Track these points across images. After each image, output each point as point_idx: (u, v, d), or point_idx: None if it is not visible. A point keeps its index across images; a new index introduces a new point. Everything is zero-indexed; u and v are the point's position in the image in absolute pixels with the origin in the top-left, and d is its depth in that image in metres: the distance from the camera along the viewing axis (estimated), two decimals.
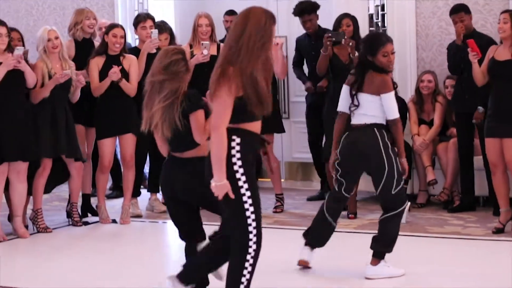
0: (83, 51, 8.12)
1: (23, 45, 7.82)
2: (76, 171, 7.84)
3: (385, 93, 5.76)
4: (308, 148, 9.18)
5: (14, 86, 7.35)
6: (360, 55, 6.02)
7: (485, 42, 7.64)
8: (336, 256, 5.91)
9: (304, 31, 8.96)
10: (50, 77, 7.54)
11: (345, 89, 5.95)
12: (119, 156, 8.72)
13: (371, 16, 9.59)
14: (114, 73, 7.72)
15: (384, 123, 5.84)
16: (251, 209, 4.41)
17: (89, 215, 8.35)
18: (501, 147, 7.11)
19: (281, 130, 8.41)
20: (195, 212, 5.16)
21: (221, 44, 8.50)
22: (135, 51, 8.24)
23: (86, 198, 8.36)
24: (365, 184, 7.67)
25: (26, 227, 7.66)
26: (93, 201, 8.39)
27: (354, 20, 8.35)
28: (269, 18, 4.42)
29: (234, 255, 4.50)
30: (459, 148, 8.17)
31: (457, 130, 8.26)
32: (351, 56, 7.95)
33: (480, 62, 7.30)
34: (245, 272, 4.47)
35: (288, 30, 9.73)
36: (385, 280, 5.72)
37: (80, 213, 8.17)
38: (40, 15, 11.14)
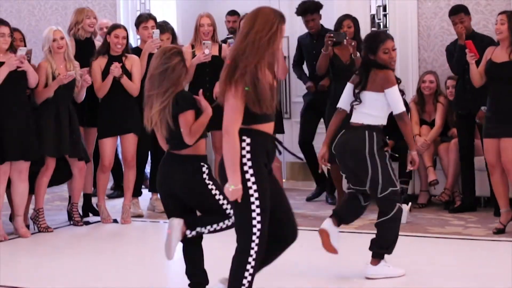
0: (84, 50, 8.14)
1: (25, 45, 7.84)
2: (78, 171, 7.85)
3: (388, 87, 5.74)
4: None
5: (16, 86, 7.36)
6: (363, 55, 6.02)
7: (486, 43, 7.63)
8: (336, 256, 5.90)
9: (306, 31, 8.97)
10: (54, 78, 7.55)
11: (348, 87, 5.93)
12: (120, 156, 8.73)
13: (373, 17, 9.61)
14: (116, 67, 7.75)
15: (384, 123, 5.83)
16: (258, 210, 4.39)
17: (90, 215, 8.36)
18: (499, 148, 7.11)
19: (281, 130, 8.41)
20: (192, 210, 5.16)
21: (223, 45, 8.53)
22: (137, 51, 8.26)
23: (87, 198, 8.37)
24: None
25: (28, 226, 7.67)
26: (94, 201, 8.40)
27: (355, 21, 8.36)
28: (278, 16, 4.39)
29: (236, 255, 4.49)
30: (459, 148, 8.17)
31: (457, 130, 8.26)
32: (352, 57, 7.96)
33: (478, 63, 7.31)
34: (246, 274, 4.45)
35: (290, 30, 9.73)
36: (385, 280, 5.72)
37: (81, 213, 8.18)
38: (42, 15, 11.16)
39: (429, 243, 6.98)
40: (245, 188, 4.37)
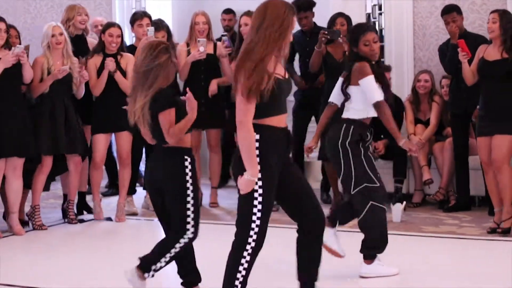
0: (76, 47, 8.10)
1: (20, 43, 7.84)
2: (74, 165, 7.84)
3: (362, 78, 5.66)
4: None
5: (12, 83, 7.37)
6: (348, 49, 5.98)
7: (479, 43, 7.64)
8: (331, 255, 5.89)
9: (299, 28, 8.96)
10: (49, 73, 7.56)
11: (339, 81, 5.91)
12: (115, 154, 8.72)
13: (368, 16, 9.61)
14: (111, 61, 7.78)
15: (369, 116, 5.71)
16: (259, 207, 4.38)
17: (85, 212, 8.36)
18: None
19: None
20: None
21: (218, 43, 8.54)
22: (132, 49, 8.26)
23: (81, 195, 8.36)
24: None
25: (27, 223, 7.69)
26: (89, 199, 8.39)
27: (348, 19, 8.35)
28: (289, 8, 4.36)
29: (233, 249, 4.49)
30: (454, 147, 8.18)
31: (452, 130, 8.27)
32: (346, 54, 7.96)
33: (470, 62, 7.31)
34: (240, 268, 4.44)
35: None
36: (380, 279, 5.72)
37: (76, 211, 8.17)
38: (37, 12, 11.14)
39: (423, 242, 6.98)
40: None
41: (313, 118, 8.76)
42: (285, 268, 5.77)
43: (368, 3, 9.62)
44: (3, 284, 5.77)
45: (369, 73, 5.67)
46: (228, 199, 8.96)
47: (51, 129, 7.56)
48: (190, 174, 4.95)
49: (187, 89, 5.07)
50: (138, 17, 8.39)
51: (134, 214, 8.30)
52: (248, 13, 8.32)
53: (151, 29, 8.08)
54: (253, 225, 4.40)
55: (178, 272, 5.21)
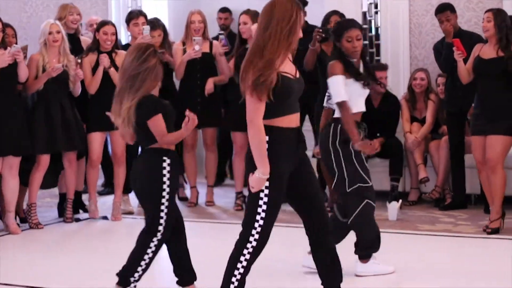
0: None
1: (16, 42, 7.83)
2: (68, 163, 7.84)
3: (330, 77, 5.59)
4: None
5: (7, 82, 7.36)
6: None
7: (474, 41, 7.65)
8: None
9: None
10: (45, 71, 7.55)
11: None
12: (111, 153, 8.71)
13: (364, 14, 9.61)
14: (105, 57, 7.79)
15: (353, 111, 5.59)
16: (264, 207, 4.37)
17: (81, 211, 8.36)
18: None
19: None
20: None
21: (214, 42, 8.53)
22: (128, 48, 8.23)
23: (77, 194, 8.35)
24: None
25: (25, 220, 7.70)
26: (85, 198, 8.39)
27: (343, 17, 8.33)
28: (295, 3, 4.36)
29: (235, 247, 4.48)
30: (450, 146, 8.19)
31: (448, 128, 8.27)
32: None
33: (465, 61, 7.31)
34: (239, 265, 4.44)
35: None
36: (376, 278, 5.71)
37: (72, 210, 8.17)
38: (33, 11, 11.13)
39: (419, 240, 6.98)
40: None
41: (307, 117, 8.72)
42: (285, 268, 5.78)
43: (364, 1, 9.61)
44: (2, 283, 5.76)
45: (337, 72, 5.57)
46: (224, 197, 8.96)
47: (48, 128, 7.55)
48: (168, 175, 4.93)
49: (187, 111, 5.04)
50: (133, 16, 8.39)
51: (130, 213, 8.30)
52: (247, 12, 8.32)
53: (147, 27, 8.08)
54: (256, 225, 4.40)
55: (174, 271, 5.21)
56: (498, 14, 7.13)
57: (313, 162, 9.27)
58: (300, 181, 4.53)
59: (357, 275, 5.74)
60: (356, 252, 5.75)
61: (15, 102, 7.41)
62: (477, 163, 7.31)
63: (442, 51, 8.00)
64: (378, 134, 8.56)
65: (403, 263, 6.01)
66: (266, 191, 4.36)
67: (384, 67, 8.68)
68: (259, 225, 4.40)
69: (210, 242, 7.02)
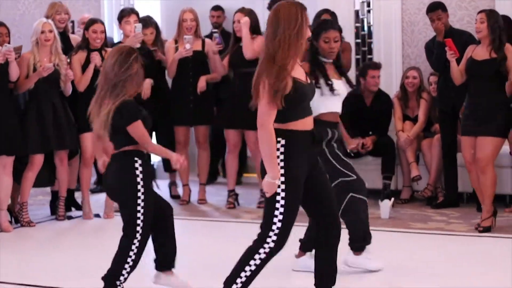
0: None
1: (9, 41, 7.81)
2: (59, 161, 7.83)
3: None
4: None
5: (0, 81, 7.34)
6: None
7: (465, 39, 7.67)
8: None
9: None
10: (35, 70, 7.53)
11: None
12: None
13: (356, 12, 9.61)
14: (96, 55, 7.77)
15: (318, 113, 5.43)
16: (281, 210, 4.38)
17: (73, 209, 8.35)
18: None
19: None
20: None
21: (206, 40, 8.53)
22: None
23: (70, 192, 8.34)
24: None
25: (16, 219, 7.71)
26: (77, 195, 8.38)
27: (333, 16, 8.34)
28: (299, 6, 4.41)
29: (251, 245, 4.49)
30: (442, 144, 8.20)
31: (440, 127, 8.28)
32: None
33: (458, 60, 7.32)
34: (252, 262, 4.44)
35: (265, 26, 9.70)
36: (367, 275, 5.71)
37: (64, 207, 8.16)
38: (26, 9, 11.10)
39: (411, 238, 6.99)
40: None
41: None
42: (285, 267, 5.77)
43: (357, 0, 9.62)
44: (4, 282, 5.74)
45: None
46: (217, 195, 8.96)
47: (40, 127, 7.54)
48: (141, 176, 4.93)
49: (182, 158, 5.05)
50: (125, 14, 8.38)
51: None
52: (242, 10, 8.31)
53: (139, 25, 8.06)
54: (274, 227, 4.41)
55: (155, 252, 5.24)
56: (491, 15, 7.12)
57: None
58: (315, 185, 4.55)
59: (346, 264, 5.72)
60: (349, 244, 5.75)
61: (6, 102, 7.39)
62: (466, 163, 7.31)
63: (433, 49, 8.01)
64: (370, 133, 8.58)
65: (396, 261, 6.02)
66: (283, 194, 4.38)
67: (378, 66, 8.68)
68: (277, 227, 4.41)
69: (203, 240, 7.02)
